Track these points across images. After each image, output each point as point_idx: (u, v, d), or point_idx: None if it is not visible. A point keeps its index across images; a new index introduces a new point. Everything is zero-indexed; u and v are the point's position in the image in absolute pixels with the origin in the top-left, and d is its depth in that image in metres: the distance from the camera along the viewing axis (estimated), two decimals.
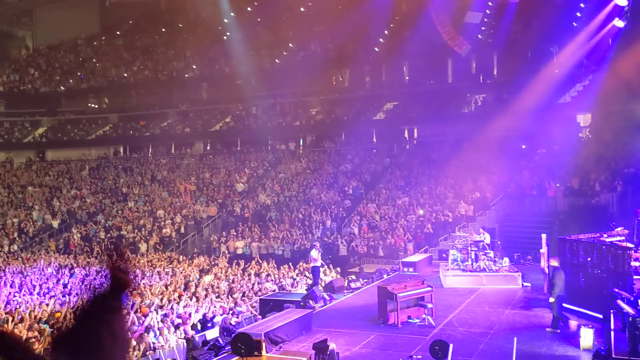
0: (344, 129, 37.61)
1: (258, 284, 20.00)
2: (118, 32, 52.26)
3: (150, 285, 19.38)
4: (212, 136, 42.78)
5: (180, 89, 45.20)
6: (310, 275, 21.61)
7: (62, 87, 47.86)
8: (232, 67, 41.53)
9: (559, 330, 12.62)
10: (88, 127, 46.40)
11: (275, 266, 23.24)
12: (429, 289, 14.45)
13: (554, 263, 13.47)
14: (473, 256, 18.56)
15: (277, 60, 41.09)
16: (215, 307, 16.05)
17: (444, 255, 21.18)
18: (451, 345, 9.36)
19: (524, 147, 28.67)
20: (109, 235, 30.93)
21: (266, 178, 35.12)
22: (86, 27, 52.24)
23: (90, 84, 47.49)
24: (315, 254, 18.82)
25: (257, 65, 40.17)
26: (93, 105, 48.96)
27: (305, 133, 39.70)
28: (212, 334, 14.08)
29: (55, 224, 33.29)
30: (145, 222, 31.53)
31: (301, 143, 39.56)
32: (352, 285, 19.44)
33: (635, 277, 13.39)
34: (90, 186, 38.27)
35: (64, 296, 18.08)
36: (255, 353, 10.52)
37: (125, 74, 47.00)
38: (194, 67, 45.12)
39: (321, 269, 22.49)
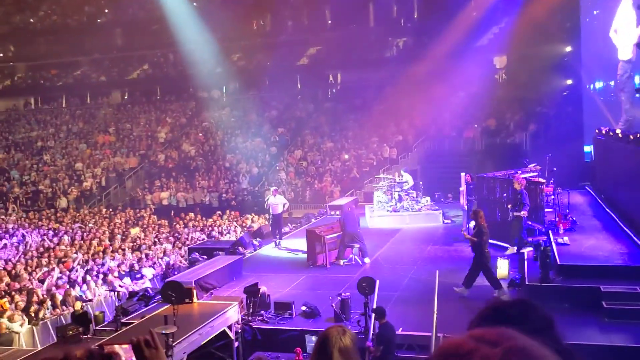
0: (267, 76, 37.10)
1: (186, 233, 19.90)
2: None
3: (73, 240, 18.89)
4: (130, 85, 41.16)
5: (92, 36, 42.85)
6: (238, 224, 21.68)
7: None
8: (147, 11, 39.70)
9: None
10: None
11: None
12: None
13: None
14: (397, 197, 19.17)
15: (194, 4, 39.59)
16: (143, 258, 15.90)
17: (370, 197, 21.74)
18: (378, 281, 9.73)
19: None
20: (22, 190, 29.65)
21: (189, 127, 34.41)
22: None
23: None
24: (272, 200, 17.19)
25: (174, 10, 38.58)
26: None
27: (228, 80, 38.88)
28: (141, 285, 13.99)
29: None
30: (63, 175, 30.37)
31: (224, 91, 38.78)
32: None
33: (546, 209, 14.31)
34: (0, 140, 36.24)
35: None
36: (187, 300, 10.55)
37: (32, 20, 43.98)
38: (107, 11, 42.80)
39: (249, 216, 22.64)
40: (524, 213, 12.89)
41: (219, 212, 24.10)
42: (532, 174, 15.77)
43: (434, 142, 27.78)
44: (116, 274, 14.34)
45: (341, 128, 31.03)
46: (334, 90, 36.62)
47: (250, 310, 10.77)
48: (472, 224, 12.21)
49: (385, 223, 18.68)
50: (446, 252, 14.74)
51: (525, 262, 11.80)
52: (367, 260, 14.18)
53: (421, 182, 20.59)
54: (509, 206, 13.56)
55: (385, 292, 10.64)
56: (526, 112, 27.56)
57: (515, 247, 13.15)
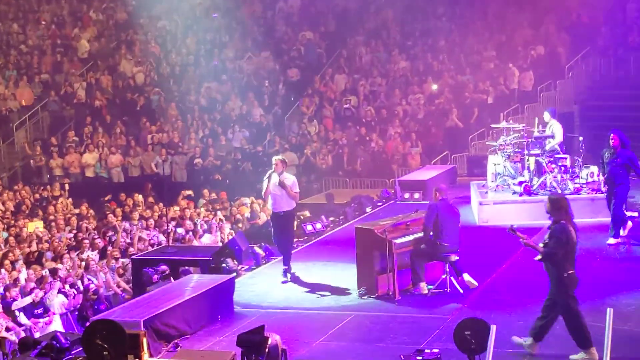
0: None
1: (128, 232, 20.21)
2: None
3: None
4: None
5: None
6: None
7: None
8: None
9: None
10: None
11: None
12: None
13: None
14: (533, 167, 19.06)
15: None
16: (47, 277, 16.23)
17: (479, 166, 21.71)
18: (493, 327, 9.77)
19: None
20: None
21: (134, 29, 34.59)
22: None
23: None
24: (276, 182, 15.36)
25: None
26: None
27: None
28: (45, 327, 14.32)
29: None
30: None
31: None
32: (308, 227, 19.85)
33: None
34: None
35: None
36: (131, 357, 10.76)
37: None
38: None
39: (247, 201, 22.88)
40: None
41: (190, 192, 24.31)
42: None
43: (608, 61, 27.45)
44: None
45: (425, 31, 30.88)
46: None
47: None
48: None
49: (509, 216, 18.58)
50: (628, 272, 14.67)
51: None
52: (471, 281, 14.18)
53: (581, 138, 20.43)
54: None
55: (509, 348, 10.67)
56: None
57: None
